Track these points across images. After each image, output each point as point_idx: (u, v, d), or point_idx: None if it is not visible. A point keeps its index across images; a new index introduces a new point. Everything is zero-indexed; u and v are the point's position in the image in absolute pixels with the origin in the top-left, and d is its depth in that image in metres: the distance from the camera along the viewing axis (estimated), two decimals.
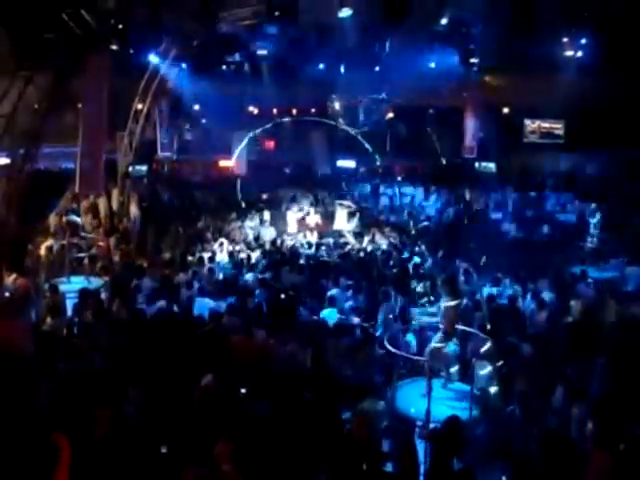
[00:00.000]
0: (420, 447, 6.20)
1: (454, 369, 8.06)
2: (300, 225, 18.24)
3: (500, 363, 7.68)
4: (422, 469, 5.81)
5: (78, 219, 13.67)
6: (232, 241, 16.01)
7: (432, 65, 19.33)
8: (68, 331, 8.69)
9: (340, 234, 17.54)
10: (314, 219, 18.51)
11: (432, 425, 6.58)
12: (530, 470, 5.53)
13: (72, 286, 11.61)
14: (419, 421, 6.88)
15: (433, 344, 7.89)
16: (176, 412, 5.82)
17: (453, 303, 7.84)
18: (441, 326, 7.96)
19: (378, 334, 9.20)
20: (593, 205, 14.55)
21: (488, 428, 6.60)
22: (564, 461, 5.50)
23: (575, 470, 5.30)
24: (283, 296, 10.70)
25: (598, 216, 14.27)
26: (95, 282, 12.07)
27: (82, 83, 14.61)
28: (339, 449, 5.52)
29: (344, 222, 18.40)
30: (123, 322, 9.11)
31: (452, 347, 8.05)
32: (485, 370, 7.55)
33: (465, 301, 9.65)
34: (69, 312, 9.78)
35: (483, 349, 7.89)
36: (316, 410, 6.28)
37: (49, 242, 13.58)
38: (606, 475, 5.10)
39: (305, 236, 17.04)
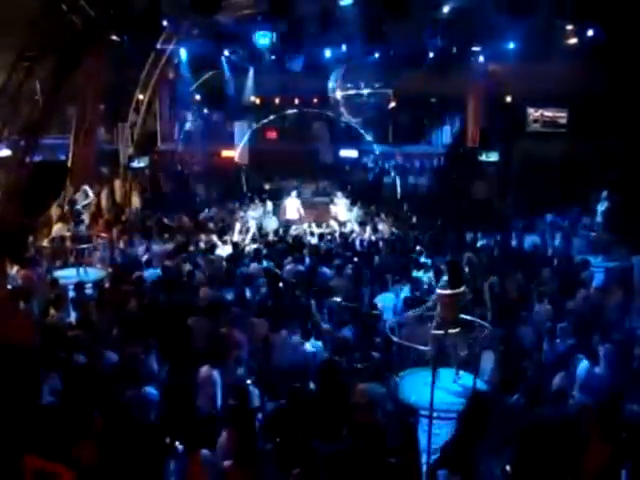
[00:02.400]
0: (423, 437, 6.21)
1: (458, 358, 8.03)
2: (308, 215, 18.15)
3: (503, 353, 7.68)
4: (424, 458, 5.83)
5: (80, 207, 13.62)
6: (235, 231, 15.97)
7: (434, 53, 19.21)
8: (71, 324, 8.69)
9: (343, 223, 17.52)
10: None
11: (435, 414, 6.59)
12: (533, 460, 5.53)
13: (79, 277, 11.66)
14: (422, 410, 6.88)
15: (433, 332, 7.84)
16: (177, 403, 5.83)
17: (451, 292, 7.79)
18: (438, 315, 7.90)
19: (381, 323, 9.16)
20: (604, 193, 14.34)
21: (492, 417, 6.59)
22: (565, 451, 5.52)
23: (576, 459, 5.32)
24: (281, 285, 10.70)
25: (606, 204, 14.10)
26: (99, 273, 12.14)
27: (81, 74, 14.57)
28: (344, 436, 5.52)
29: (344, 212, 18.35)
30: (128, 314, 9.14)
31: (455, 336, 8.02)
32: (488, 360, 7.54)
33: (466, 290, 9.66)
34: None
35: (486, 339, 7.88)
36: (320, 399, 6.28)
37: (52, 233, 13.61)
38: (605, 466, 5.10)
39: (310, 225, 17.00)
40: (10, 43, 12.99)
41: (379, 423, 5.82)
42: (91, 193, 13.45)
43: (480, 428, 5.38)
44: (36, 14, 12.59)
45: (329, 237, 15.22)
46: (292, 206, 17.89)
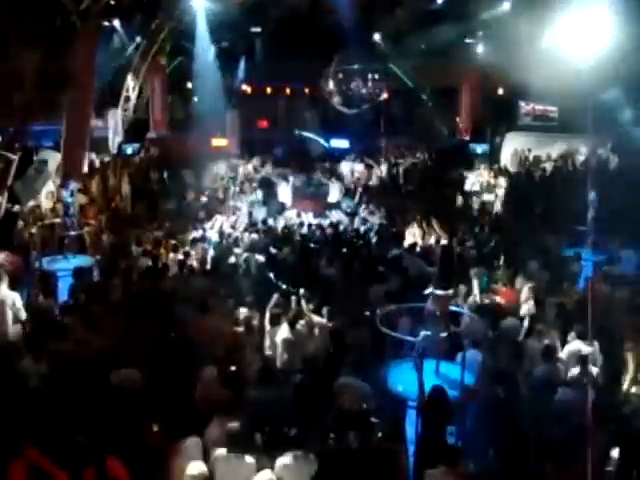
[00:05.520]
0: (410, 427, 6.25)
1: (447, 350, 8.07)
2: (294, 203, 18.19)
3: (491, 345, 7.74)
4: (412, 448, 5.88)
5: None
6: (224, 220, 15.93)
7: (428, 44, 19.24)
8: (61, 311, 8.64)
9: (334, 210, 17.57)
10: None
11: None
12: (518, 449, 5.59)
13: (67, 264, 11.63)
14: (409, 400, 6.92)
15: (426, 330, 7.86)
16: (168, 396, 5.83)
17: (444, 293, 7.85)
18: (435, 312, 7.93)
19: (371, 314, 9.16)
20: (592, 194, 14.44)
21: (477, 408, 6.65)
22: (549, 440, 5.60)
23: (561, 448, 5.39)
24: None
25: (593, 198, 14.20)
26: (87, 261, 12.09)
27: (72, 60, 14.45)
28: (331, 424, 5.56)
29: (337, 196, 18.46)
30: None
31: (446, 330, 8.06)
32: (475, 352, 7.57)
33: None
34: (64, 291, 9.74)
35: (475, 331, 7.93)
36: (309, 388, 6.31)
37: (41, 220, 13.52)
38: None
39: (299, 215, 16.99)
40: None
41: (366, 412, 5.87)
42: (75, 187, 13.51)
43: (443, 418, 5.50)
44: None
45: (318, 227, 15.17)
46: (284, 192, 18.53)
